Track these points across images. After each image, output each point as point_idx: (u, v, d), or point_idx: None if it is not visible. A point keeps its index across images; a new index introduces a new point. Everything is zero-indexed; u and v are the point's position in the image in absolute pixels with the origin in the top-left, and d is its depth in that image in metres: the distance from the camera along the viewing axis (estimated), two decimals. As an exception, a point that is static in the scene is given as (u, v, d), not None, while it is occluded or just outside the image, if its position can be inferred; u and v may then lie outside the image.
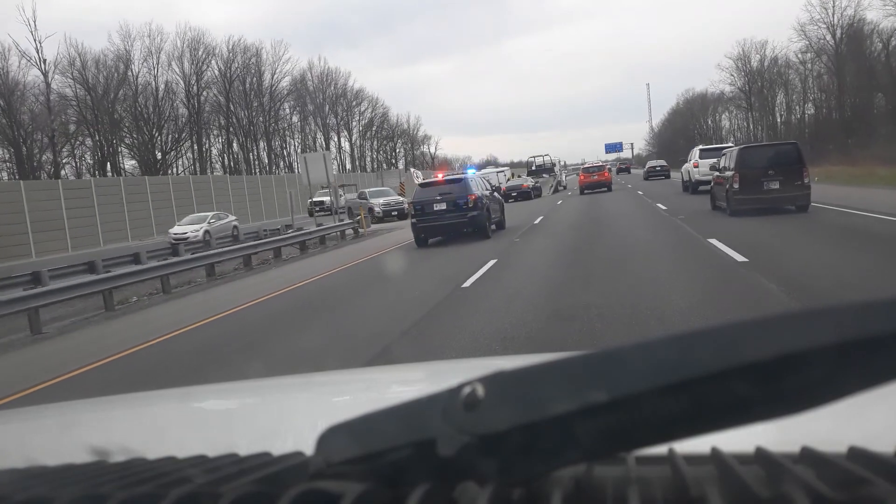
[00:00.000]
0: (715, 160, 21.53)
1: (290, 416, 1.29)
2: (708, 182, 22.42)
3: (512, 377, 0.42)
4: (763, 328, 0.38)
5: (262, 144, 77.32)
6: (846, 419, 0.71)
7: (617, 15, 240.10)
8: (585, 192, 37.64)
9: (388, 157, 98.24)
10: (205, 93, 68.87)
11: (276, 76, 77.19)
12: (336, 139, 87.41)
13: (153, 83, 63.45)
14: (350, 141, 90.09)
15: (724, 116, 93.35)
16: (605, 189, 38.31)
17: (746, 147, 16.24)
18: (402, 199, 30.73)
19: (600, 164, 44.34)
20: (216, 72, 69.95)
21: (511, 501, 0.44)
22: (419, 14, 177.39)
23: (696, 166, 26.22)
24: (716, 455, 0.48)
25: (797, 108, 73.06)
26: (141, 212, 39.05)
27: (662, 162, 56.64)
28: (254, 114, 74.91)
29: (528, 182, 40.70)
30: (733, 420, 0.39)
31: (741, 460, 0.47)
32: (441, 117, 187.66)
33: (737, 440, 0.46)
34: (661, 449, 0.45)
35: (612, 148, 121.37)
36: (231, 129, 72.37)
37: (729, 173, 15.15)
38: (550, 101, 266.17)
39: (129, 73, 61.21)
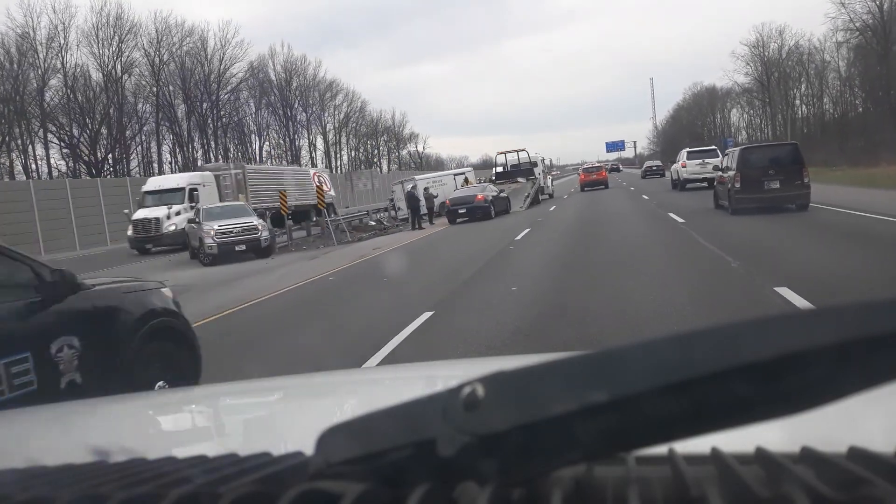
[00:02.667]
0: (699, 161, 28.06)
1: (289, 416, 1.29)
2: (694, 180, 27.76)
3: (512, 377, 0.42)
4: (763, 328, 0.38)
5: (211, 142, 63.60)
6: (846, 419, 0.71)
7: (618, 13, 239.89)
8: (586, 189, 41.22)
9: (370, 156, 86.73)
10: (129, 79, 54.83)
11: (224, 62, 62.71)
12: (307, 136, 75.30)
13: (62, 66, 50.26)
14: (324, 138, 77.88)
15: (733, 112, 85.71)
16: (603, 186, 41.41)
17: (748, 147, 16.70)
18: (251, 221, 18.82)
19: (598, 164, 49.92)
20: (142, 54, 56.14)
21: (511, 501, 0.44)
22: (417, 15, 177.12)
23: (683, 166, 29.19)
24: (716, 455, 0.48)
25: (815, 101, 65.56)
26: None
27: (658, 162, 63.84)
28: (204, 105, 61.78)
29: (488, 192, 25.67)
30: (733, 420, 0.39)
31: (741, 460, 0.47)
32: (439, 117, 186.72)
33: (737, 440, 0.46)
34: (661, 449, 0.45)
35: (614, 146, 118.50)
36: (166, 122, 59.26)
37: (731, 173, 15.46)
38: (550, 101, 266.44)
39: (36, 56, 48.81)
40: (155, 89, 57.41)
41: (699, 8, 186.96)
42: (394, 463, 0.44)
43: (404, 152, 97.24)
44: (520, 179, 31.52)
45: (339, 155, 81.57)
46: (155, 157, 59.88)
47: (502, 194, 26.83)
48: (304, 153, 75.40)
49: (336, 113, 79.81)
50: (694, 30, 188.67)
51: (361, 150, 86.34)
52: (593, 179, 42.18)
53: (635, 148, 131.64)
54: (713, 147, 31.48)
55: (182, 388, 1.72)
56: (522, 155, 33.74)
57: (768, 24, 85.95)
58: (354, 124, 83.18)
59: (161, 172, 53.17)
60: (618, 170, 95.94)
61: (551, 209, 26.39)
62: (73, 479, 0.54)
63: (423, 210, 25.92)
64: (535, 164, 33.36)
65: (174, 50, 59.10)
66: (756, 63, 69.73)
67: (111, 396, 1.63)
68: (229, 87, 65.14)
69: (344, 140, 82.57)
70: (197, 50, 61.47)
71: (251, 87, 68.20)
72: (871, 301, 0.38)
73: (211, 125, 64.00)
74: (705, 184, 26.78)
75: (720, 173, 17.30)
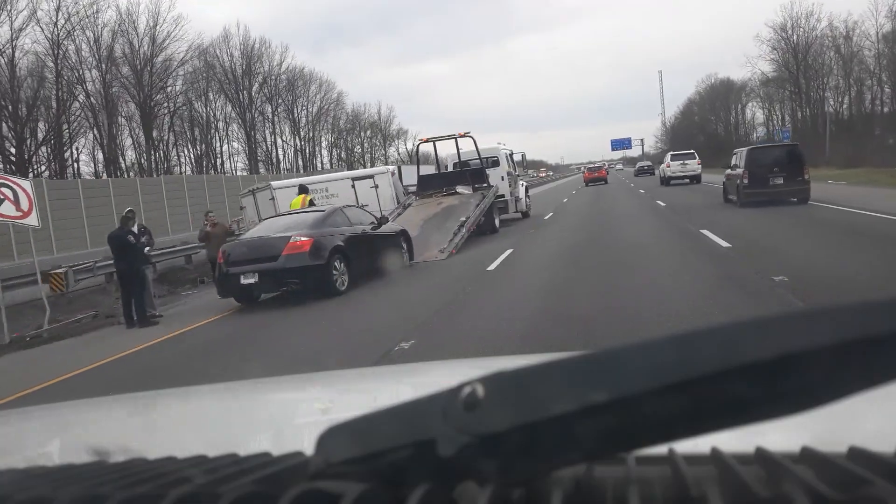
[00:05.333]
0: (680, 162, 35.55)
1: (290, 416, 1.29)
2: (676, 177, 34.54)
3: (512, 377, 0.42)
4: (763, 328, 0.38)
5: (135, 137, 50.13)
6: (846, 419, 0.71)
7: (627, 9, 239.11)
8: (590, 184, 49.79)
9: (350, 154, 72.91)
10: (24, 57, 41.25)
11: (158, 43, 49.11)
12: (274, 132, 61.99)
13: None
14: (295, 133, 64.18)
15: (748, 107, 76.10)
16: (603, 182, 50.27)
17: (754, 147, 18.58)
18: None
19: (600, 164, 61.70)
20: (38, 32, 42.29)
21: (511, 501, 0.44)
22: (420, 13, 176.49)
23: (668, 167, 36.13)
24: (716, 455, 0.48)
25: (851, 92, 56.74)
26: None
27: (648, 162, 70.58)
28: (140, 95, 48.43)
29: (329, 231, 10.49)
30: (733, 420, 0.39)
31: (741, 460, 0.47)
32: (440, 115, 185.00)
33: (737, 440, 0.46)
34: (661, 449, 0.45)
35: (619, 144, 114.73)
36: (83, 112, 45.76)
37: (739, 170, 17.28)
38: (557, 100, 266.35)
39: None
40: (56, 69, 43.74)
41: (711, 1, 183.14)
42: (394, 463, 0.44)
43: (392, 150, 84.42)
44: (461, 190, 16.93)
45: (314, 153, 68.42)
46: (88, 155, 47.16)
47: (386, 229, 12.26)
48: (276, 152, 63.67)
49: (308, 105, 66.35)
50: (707, 24, 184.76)
51: (344, 149, 73.80)
52: (595, 176, 52.72)
53: (642, 146, 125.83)
54: (692, 151, 38.28)
55: (182, 388, 1.72)
56: (466, 145, 19.03)
57: (797, 4, 73.87)
58: (331, 118, 69.49)
59: (62, 175, 40.97)
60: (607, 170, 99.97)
61: (501, 259, 12.00)
62: (73, 479, 0.54)
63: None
64: (496, 163, 19.40)
65: (81, 20, 44.80)
66: (782, 49, 60.41)
67: (111, 396, 1.63)
68: (167, 72, 51.37)
69: (319, 136, 68.98)
70: (119, 23, 47.46)
71: (197, 71, 54.63)
72: (871, 301, 0.38)
73: (140, 115, 50.00)
74: (687, 180, 34.25)
75: (728, 170, 18.97)
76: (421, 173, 18.80)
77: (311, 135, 67.22)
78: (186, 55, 52.03)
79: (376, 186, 17.01)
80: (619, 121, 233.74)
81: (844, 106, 58.67)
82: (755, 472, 0.46)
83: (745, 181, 16.71)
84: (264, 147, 62.54)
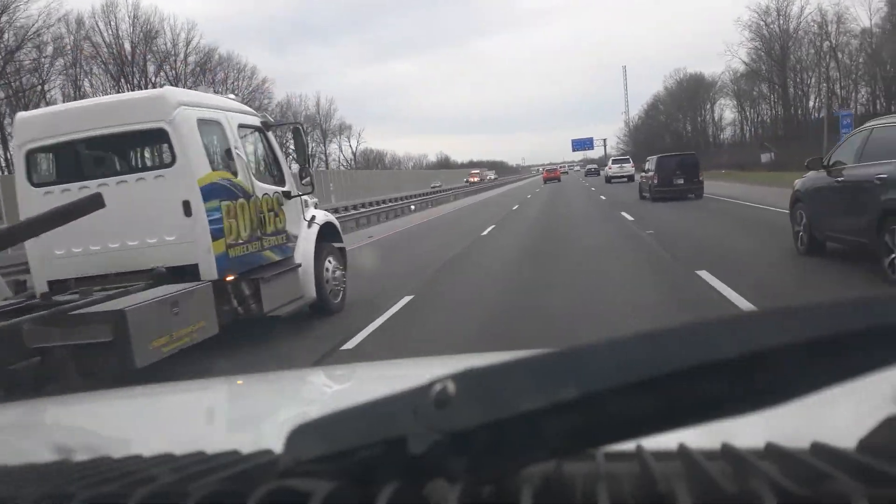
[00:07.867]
0: (619, 165, 47.88)
1: (258, 414, 1.28)
2: (616, 177, 45.51)
3: (482, 374, 0.42)
4: (733, 326, 0.39)
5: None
6: (809, 415, 0.73)
7: (595, 10, 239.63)
8: (547, 182, 61.67)
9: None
10: None
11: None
12: None
13: None
14: None
15: (717, 106, 72.00)
16: (557, 181, 63.49)
17: (662, 156, 24.25)
18: None
19: (555, 166, 75.04)
20: None
21: (481, 499, 0.44)
22: (384, 12, 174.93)
23: (609, 168, 48.81)
24: (683, 451, 0.49)
25: (851, 85, 52.72)
26: None
27: (595, 165, 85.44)
28: None
29: None
30: (702, 416, 0.39)
31: (708, 456, 0.48)
32: (399, 114, 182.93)
33: (703, 436, 0.47)
34: (629, 445, 0.45)
35: (580, 145, 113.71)
36: None
37: (650, 173, 23.34)
38: (521, 101, 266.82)
39: None
40: None
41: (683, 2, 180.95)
42: (364, 461, 0.44)
43: (333, 147, 74.29)
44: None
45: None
46: None
47: None
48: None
49: (226, 93, 45.53)
50: (680, 25, 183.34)
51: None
52: (552, 176, 67.70)
53: (605, 147, 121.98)
54: (627, 157, 51.56)
55: (149, 385, 1.69)
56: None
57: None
58: (255, 109, 51.63)
59: None
60: (566, 173, 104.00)
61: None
62: (36, 479, 0.53)
63: None
64: (171, 161, 5.64)
65: None
66: (764, 38, 55.58)
67: (76, 394, 1.60)
68: (19, 41, 41.37)
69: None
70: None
71: (60, 40, 44.42)
72: (839, 301, 0.39)
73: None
74: (625, 179, 43.99)
75: (643, 174, 25.18)
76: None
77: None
78: (38, 21, 40.94)
79: None
80: (586, 122, 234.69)
81: (821, 99, 54.44)
82: (722, 468, 0.46)
83: (655, 182, 22.52)
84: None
